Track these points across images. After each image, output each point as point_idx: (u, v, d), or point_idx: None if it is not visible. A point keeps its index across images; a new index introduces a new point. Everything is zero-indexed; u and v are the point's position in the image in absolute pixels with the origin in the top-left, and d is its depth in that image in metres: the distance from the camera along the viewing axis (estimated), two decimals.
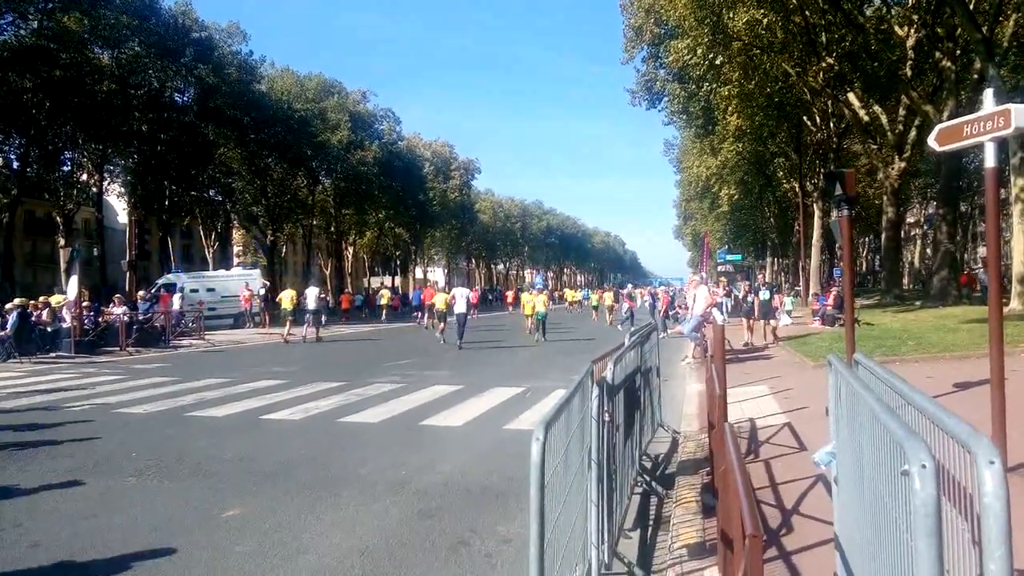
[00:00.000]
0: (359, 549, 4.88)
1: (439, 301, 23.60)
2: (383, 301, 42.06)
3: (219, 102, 45.05)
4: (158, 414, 10.43)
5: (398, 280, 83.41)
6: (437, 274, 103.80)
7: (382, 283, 75.26)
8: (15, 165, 41.28)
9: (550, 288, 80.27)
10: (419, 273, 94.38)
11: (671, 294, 33.21)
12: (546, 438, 2.52)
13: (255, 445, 8.30)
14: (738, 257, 59.95)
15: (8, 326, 19.30)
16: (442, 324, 23.03)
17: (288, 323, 25.25)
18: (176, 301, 27.84)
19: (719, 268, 55.34)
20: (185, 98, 47.32)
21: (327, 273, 68.68)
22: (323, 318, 27.33)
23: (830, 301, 24.41)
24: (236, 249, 74.15)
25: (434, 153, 78.62)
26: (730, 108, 32.02)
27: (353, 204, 62.31)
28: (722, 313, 19.39)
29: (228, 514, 5.70)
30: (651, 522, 5.59)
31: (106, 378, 15.20)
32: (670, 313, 27.56)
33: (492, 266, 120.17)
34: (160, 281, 35.55)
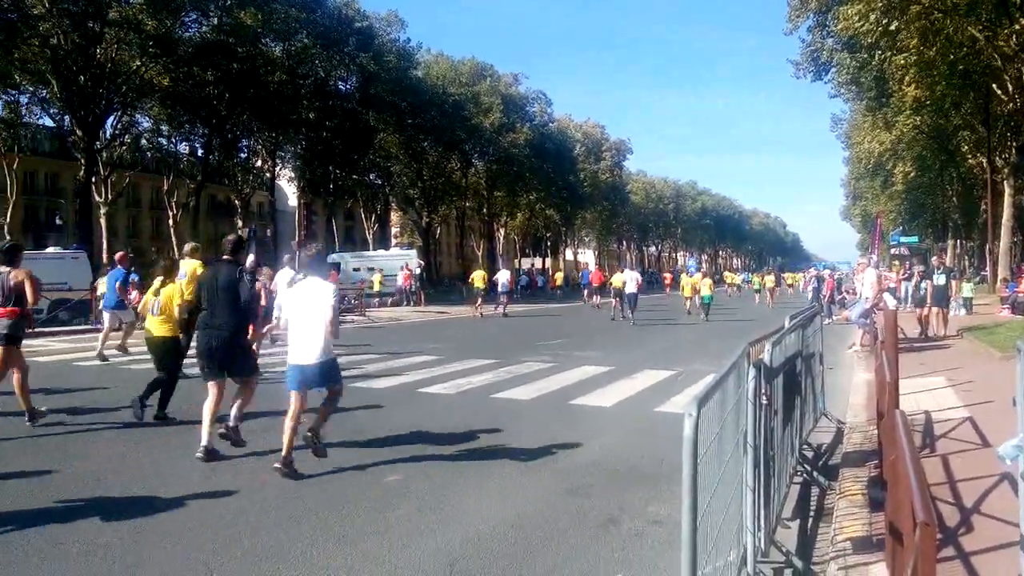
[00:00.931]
0: (510, 521, 4.97)
1: (616, 280, 26.67)
2: (559, 282, 51.56)
3: (379, 89, 47.07)
4: None
5: (548, 261, 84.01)
6: (587, 256, 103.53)
7: (532, 264, 76.15)
8: (199, 153, 45.44)
9: (703, 271, 78.16)
10: (569, 255, 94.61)
11: (837, 278, 31.43)
12: (699, 415, 2.44)
13: (412, 416, 8.65)
14: (914, 239, 55.08)
15: None
16: (615, 301, 26.04)
17: (479, 300, 28.73)
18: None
19: (892, 251, 51.54)
20: (348, 86, 49.84)
21: (479, 254, 70.30)
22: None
23: (1022, 287, 22.17)
24: (394, 230, 77.43)
25: (585, 134, 78.27)
26: (907, 78, 29.59)
27: (505, 186, 63.41)
28: (895, 298, 18.12)
29: (388, 479, 5.99)
30: (812, 513, 5.34)
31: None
32: (836, 298, 26.17)
33: (644, 248, 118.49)
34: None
